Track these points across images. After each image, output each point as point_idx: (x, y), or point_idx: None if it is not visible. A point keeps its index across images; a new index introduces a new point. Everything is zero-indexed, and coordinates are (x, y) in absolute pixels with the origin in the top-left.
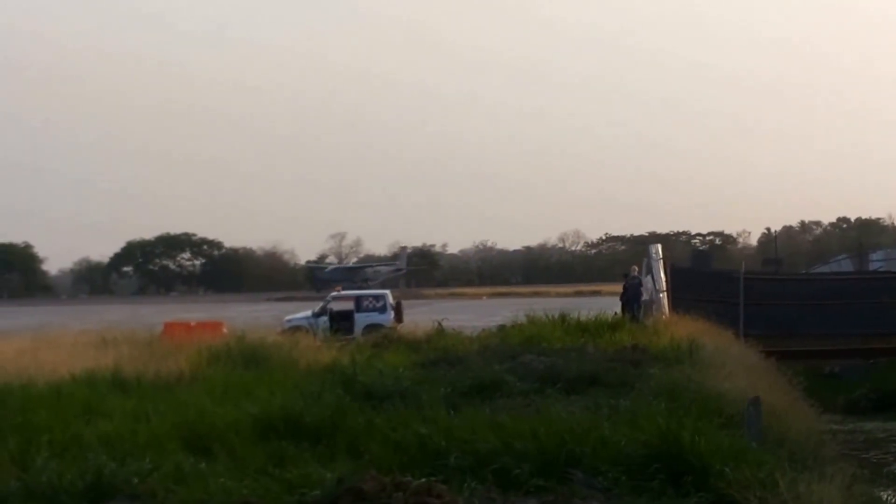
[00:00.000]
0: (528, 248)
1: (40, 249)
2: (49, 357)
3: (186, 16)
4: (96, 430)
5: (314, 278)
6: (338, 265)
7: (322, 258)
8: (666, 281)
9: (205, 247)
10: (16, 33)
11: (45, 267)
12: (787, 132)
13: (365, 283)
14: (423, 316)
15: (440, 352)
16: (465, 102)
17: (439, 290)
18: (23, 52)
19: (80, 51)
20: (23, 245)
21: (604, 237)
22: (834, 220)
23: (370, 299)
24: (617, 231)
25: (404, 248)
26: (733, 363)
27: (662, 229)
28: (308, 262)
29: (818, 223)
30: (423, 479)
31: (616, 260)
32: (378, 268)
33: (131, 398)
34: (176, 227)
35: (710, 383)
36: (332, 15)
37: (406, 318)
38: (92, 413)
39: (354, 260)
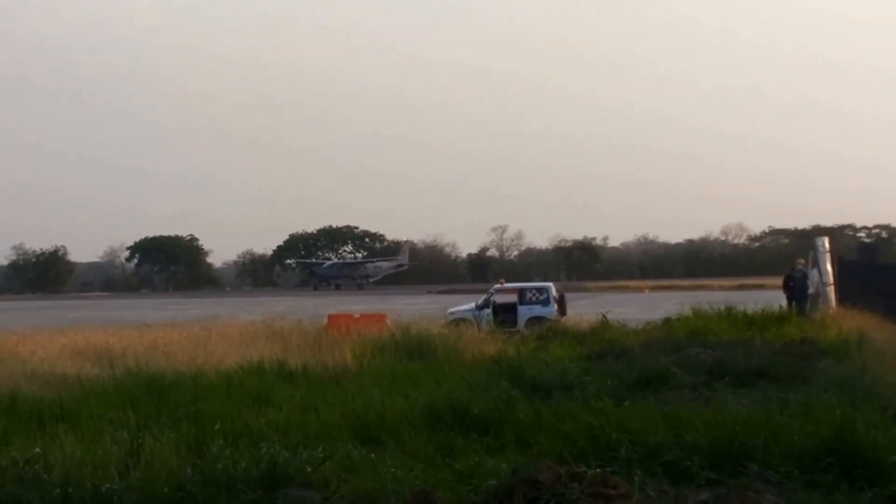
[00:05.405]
0: (689, 241)
1: (205, 242)
2: (218, 347)
3: (371, 33)
4: (267, 420)
5: (312, 274)
6: (335, 261)
7: (483, 251)
8: (833, 274)
9: (367, 240)
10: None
11: (209, 259)
12: None
13: (365, 279)
14: (586, 308)
15: (605, 344)
16: (626, 105)
17: (600, 283)
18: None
19: (243, 56)
20: (188, 238)
21: (767, 230)
22: None
23: (533, 292)
24: (780, 224)
25: (407, 241)
26: None
27: (827, 222)
28: (297, 260)
29: None
30: (598, 470)
31: (780, 253)
32: (379, 263)
33: (299, 388)
34: (338, 221)
35: (883, 376)
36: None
37: (569, 310)
38: (262, 403)
39: (516, 253)
